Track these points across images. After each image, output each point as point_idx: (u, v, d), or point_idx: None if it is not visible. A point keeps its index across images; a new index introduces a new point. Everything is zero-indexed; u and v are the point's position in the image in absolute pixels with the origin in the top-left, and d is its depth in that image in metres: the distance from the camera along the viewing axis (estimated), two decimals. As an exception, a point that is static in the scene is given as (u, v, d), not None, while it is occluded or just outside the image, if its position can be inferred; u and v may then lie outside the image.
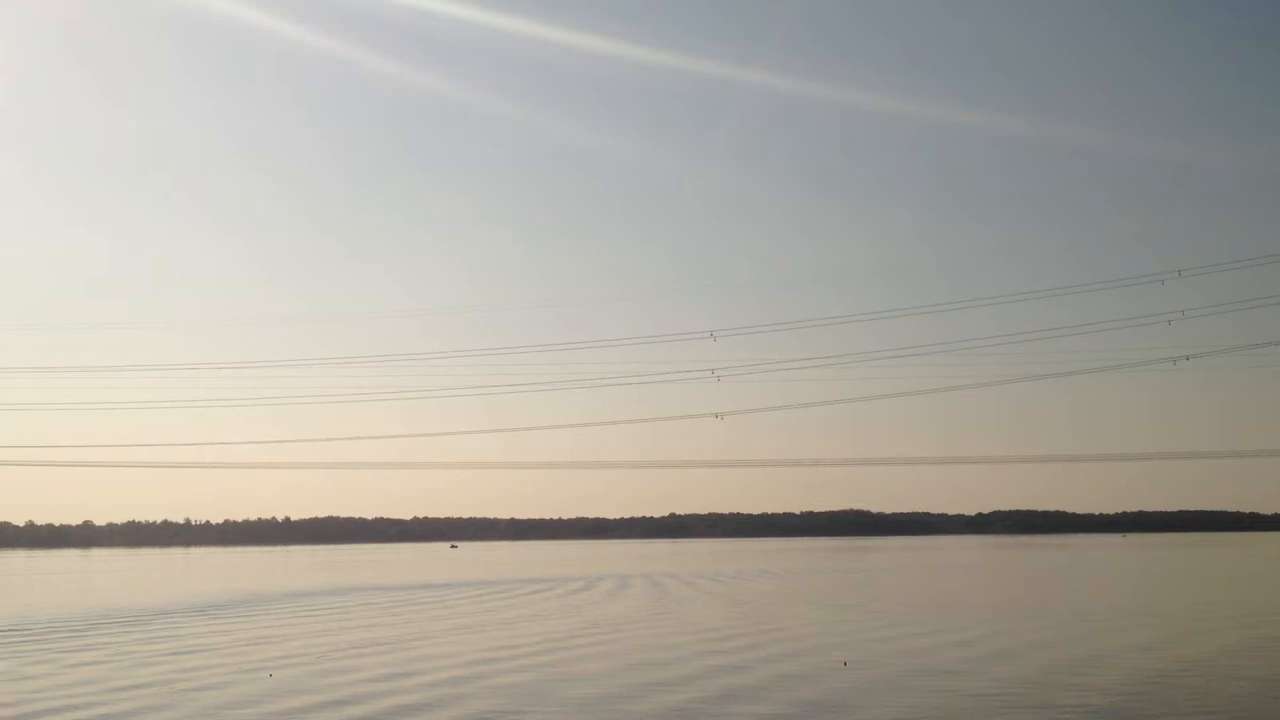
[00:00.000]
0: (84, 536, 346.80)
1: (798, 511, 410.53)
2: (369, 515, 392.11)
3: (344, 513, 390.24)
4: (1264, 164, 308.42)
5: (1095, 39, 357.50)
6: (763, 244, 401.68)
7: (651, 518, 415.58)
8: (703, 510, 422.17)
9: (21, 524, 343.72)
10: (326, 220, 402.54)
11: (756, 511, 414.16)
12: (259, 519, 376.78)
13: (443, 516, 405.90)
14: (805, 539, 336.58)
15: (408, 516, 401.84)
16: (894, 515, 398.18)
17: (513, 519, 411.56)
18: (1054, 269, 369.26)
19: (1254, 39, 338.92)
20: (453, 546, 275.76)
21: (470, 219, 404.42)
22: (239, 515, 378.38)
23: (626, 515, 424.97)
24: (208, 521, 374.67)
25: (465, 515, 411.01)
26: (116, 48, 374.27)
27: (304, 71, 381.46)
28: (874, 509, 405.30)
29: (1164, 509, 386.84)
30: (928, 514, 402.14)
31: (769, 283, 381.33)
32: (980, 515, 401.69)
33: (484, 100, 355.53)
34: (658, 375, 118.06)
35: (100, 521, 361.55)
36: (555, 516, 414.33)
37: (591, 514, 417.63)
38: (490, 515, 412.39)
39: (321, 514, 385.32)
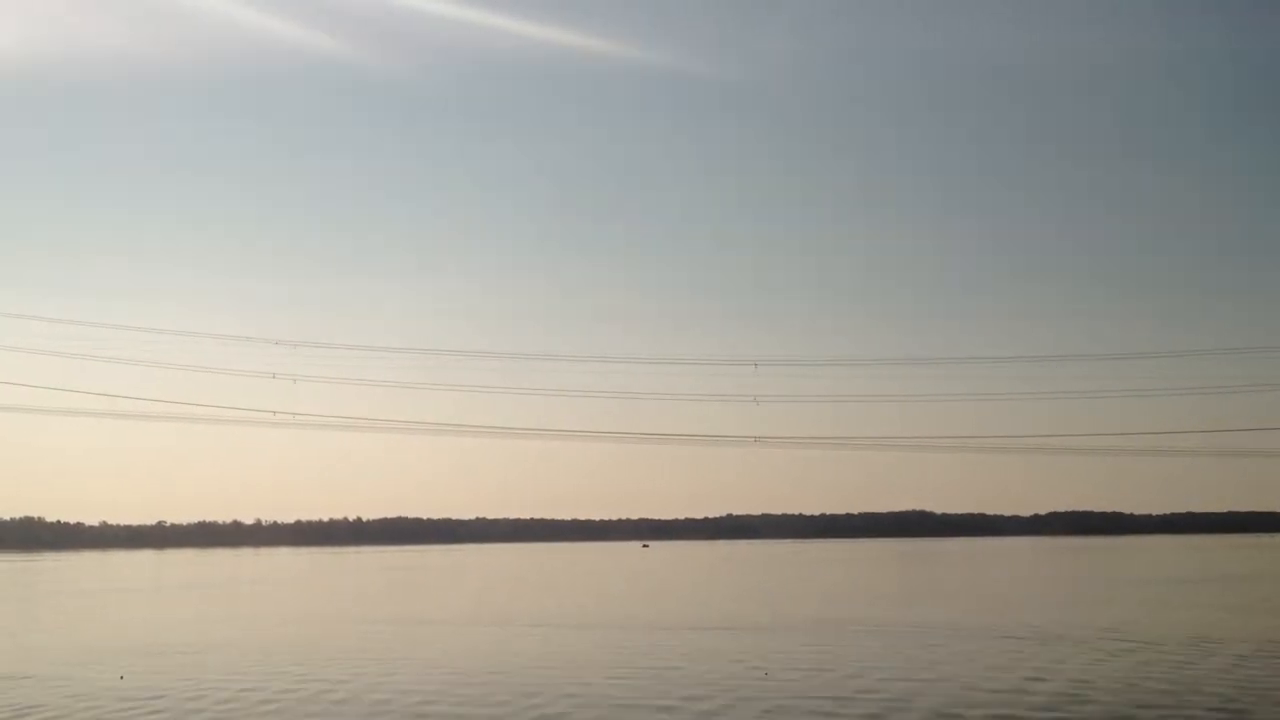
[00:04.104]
0: (158, 537, 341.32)
1: (855, 512, 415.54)
2: (436, 516, 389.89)
3: (410, 513, 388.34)
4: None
5: (1099, 38, 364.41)
6: (765, 244, 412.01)
7: (710, 518, 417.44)
8: (756, 511, 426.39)
9: (96, 523, 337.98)
10: (329, 222, 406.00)
11: (814, 513, 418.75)
12: (329, 519, 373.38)
13: (503, 518, 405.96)
14: (876, 540, 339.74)
15: (470, 517, 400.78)
16: (954, 516, 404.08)
17: (574, 519, 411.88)
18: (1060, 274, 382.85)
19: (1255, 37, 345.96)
20: (644, 546, 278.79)
21: (472, 220, 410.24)
22: (309, 515, 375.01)
23: (682, 516, 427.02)
24: (276, 522, 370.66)
25: (525, 516, 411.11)
26: (114, 47, 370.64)
27: (307, 74, 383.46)
28: (934, 509, 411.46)
29: (1213, 509, 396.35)
30: (984, 515, 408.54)
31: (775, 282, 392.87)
32: (1037, 516, 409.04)
33: (486, 102, 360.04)
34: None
35: (169, 522, 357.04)
36: (618, 517, 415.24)
37: (651, 515, 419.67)
38: (551, 516, 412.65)
39: (390, 514, 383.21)
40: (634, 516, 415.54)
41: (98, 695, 28.63)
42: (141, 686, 30.14)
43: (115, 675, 32.51)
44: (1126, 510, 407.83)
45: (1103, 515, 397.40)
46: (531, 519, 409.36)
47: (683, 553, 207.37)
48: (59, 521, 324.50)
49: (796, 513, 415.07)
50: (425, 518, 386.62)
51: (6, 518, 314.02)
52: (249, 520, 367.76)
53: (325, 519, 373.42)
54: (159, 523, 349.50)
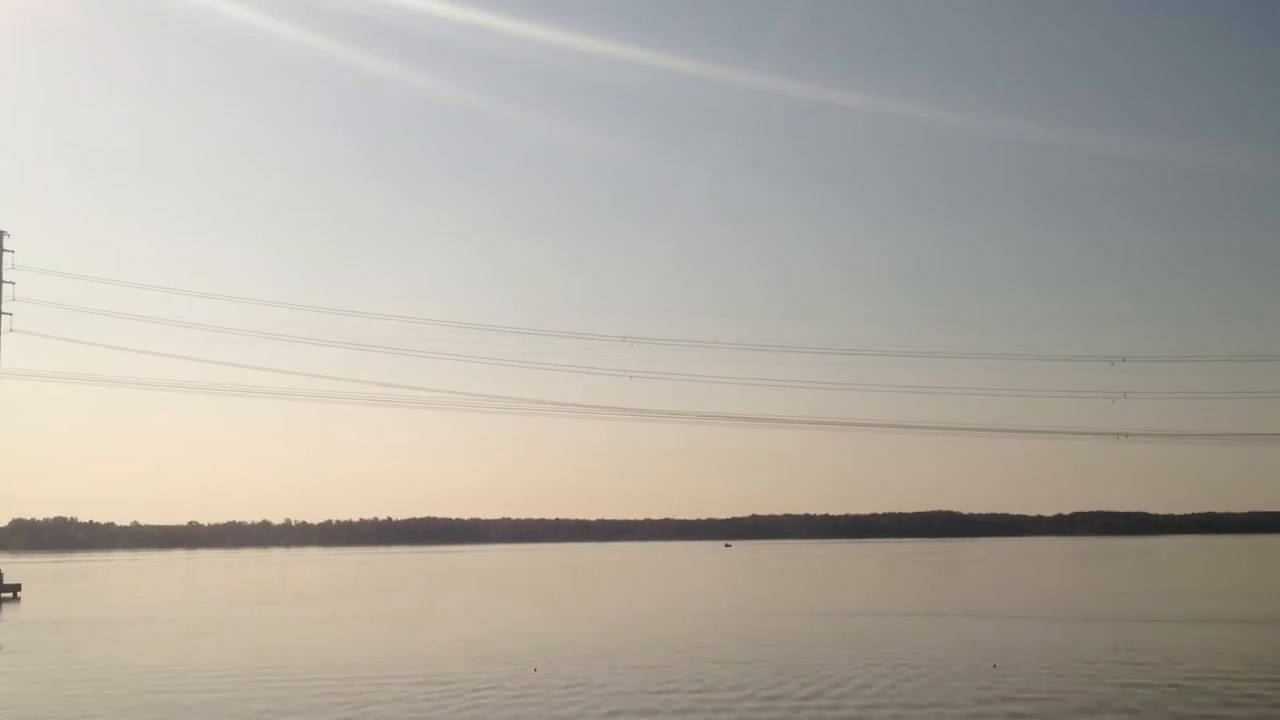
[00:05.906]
0: (189, 537, 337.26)
1: (882, 512, 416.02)
2: (465, 516, 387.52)
3: (439, 514, 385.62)
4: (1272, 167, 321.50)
5: (1098, 42, 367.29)
6: (765, 245, 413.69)
7: (735, 518, 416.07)
8: (779, 511, 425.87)
9: (127, 523, 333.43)
10: (336, 224, 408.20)
11: (839, 513, 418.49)
12: (359, 520, 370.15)
13: (530, 518, 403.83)
14: (910, 541, 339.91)
15: (498, 517, 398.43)
16: (981, 516, 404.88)
17: (601, 520, 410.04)
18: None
19: (1263, 42, 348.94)
20: (726, 545, 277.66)
21: (476, 221, 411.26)
22: (338, 516, 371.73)
23: (705, 516, 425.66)
24: (304, 522, 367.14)
25: (552, 516, 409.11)
26: (117, 50, 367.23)
27: (317, 78, 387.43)
28: (962, 510, 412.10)
29: (1238, 510, 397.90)
30: (1009, 515, 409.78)
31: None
32: (1061, 516, 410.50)
33: (489, 106, 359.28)
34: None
35: (201, 522, 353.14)
36: (644, 517, 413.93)
37: (677, 515, 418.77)
38: (578, 517, 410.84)
39: (419, 514, 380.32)
40: (665, 517, 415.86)
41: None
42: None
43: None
44: (1151, 510, 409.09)
45: (1128, 515, 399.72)
46: (558, 519, 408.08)
47: (768, 550, 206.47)
48: (91, 522, 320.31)
49: (822, 514, 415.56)
50: (453, 518, 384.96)
51: (40, 518, 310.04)
52: (277, 520, 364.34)
53: (354, 519, 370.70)
54: (190, 523, 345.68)
